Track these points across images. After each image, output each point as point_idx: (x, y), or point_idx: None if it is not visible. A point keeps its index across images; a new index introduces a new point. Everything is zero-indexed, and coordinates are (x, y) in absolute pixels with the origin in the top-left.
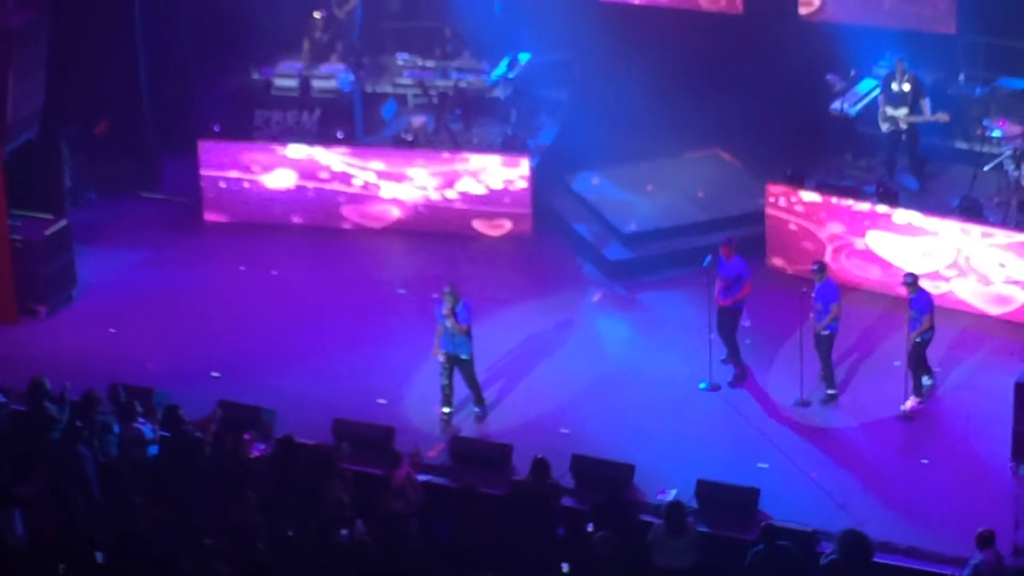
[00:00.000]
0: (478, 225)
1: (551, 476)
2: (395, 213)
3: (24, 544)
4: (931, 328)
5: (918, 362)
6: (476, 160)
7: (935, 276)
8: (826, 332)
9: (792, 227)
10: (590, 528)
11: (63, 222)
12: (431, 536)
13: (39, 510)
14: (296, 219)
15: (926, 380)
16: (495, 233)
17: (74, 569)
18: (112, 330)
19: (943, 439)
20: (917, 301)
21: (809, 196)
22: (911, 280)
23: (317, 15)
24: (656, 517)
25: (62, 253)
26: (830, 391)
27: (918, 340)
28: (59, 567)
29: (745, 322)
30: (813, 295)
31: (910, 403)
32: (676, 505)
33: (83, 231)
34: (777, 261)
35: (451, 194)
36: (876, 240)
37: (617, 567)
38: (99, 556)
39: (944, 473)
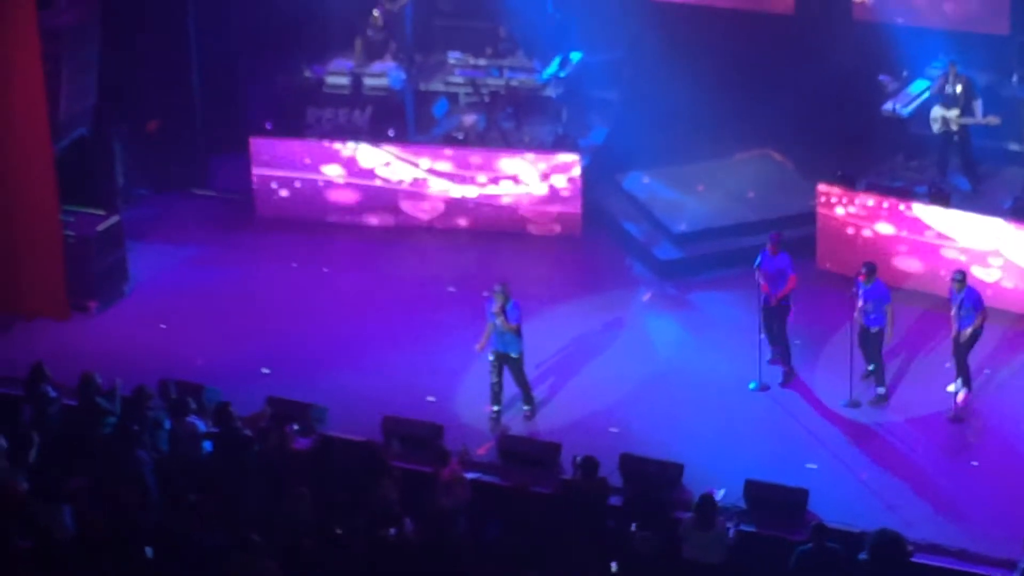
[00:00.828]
0: (529, 224)
1: (599, 474)
2: (446, 212)
3: (73, 538)
4: (981, 326)
5: (964, 358)
6: (527, 159)
7: (982, 275)
8: (875, 329)
9: (843, 228)
10: (633, 527)
11: (115, 218)
12: (478, 535)
13: (88, 505)
14: (347, 217)
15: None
16: (546, 233)
17: (122, 564)
18: (163, 326)
19: (992, 441)
20: (967, 298)
21: (860, 197)
22: (960, 277)
23: (376, 14)
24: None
25: (114, 249)
26: (880, 390)
27: (968, 336)
28: (107, 562)
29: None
30: (861, 295)
31: (962, 396)
32: (706, 498)
33: (135, 227)
34: (827, 262)
35: (502, 193)
36: (924, 240)
37: (661, 566)
38: (148, 551)
39: (993, 475)
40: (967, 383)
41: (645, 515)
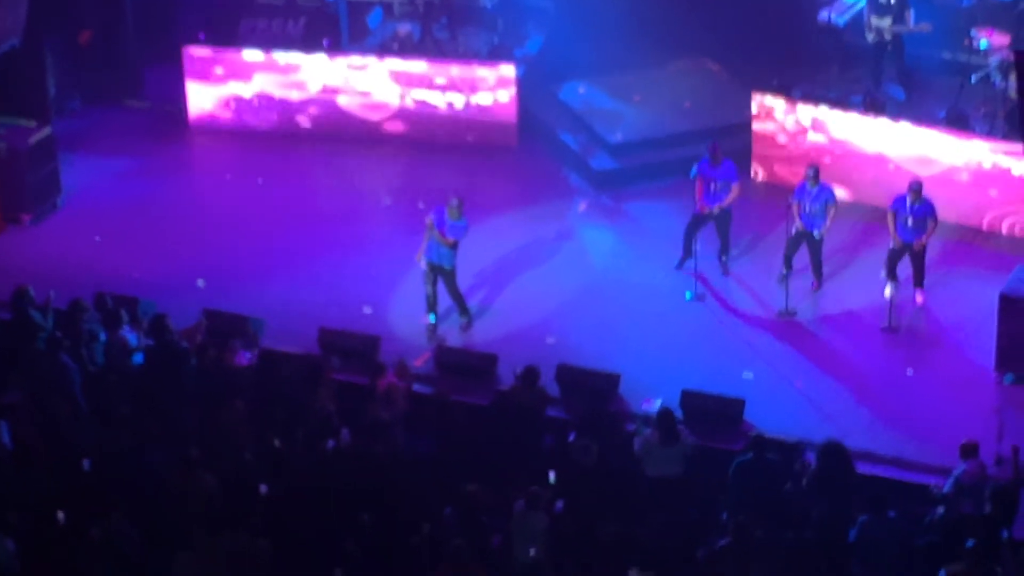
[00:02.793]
0: (464, 135)
1: (538, 385)
2: (381, 123)
3: (10, 453)
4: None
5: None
6: (461, 69)
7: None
8: (818, 234)
9: (777, 137)
10: (572, 438)
11: (47, 130)
12: (415, 446)
13: (24, 419)
14: (281, 128)
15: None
16: (482, 143)
17: (60, 478)
18: (97, 239)
19: (928, 350)
20: (921, 209)
21: (796, 106)
22: (918, 187)
23: None
24: (642, 426)
25: (47, 161)
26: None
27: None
28: (45, 476)
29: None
30: (809, 199)
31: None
32: (667, 413)
33: (67, 140)
34: (761, 172)
35: (437, 104)
36: (861, 150)
37: (601, 475)
38: (85, 464)
39: (929, 384)
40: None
41: (586, 426)
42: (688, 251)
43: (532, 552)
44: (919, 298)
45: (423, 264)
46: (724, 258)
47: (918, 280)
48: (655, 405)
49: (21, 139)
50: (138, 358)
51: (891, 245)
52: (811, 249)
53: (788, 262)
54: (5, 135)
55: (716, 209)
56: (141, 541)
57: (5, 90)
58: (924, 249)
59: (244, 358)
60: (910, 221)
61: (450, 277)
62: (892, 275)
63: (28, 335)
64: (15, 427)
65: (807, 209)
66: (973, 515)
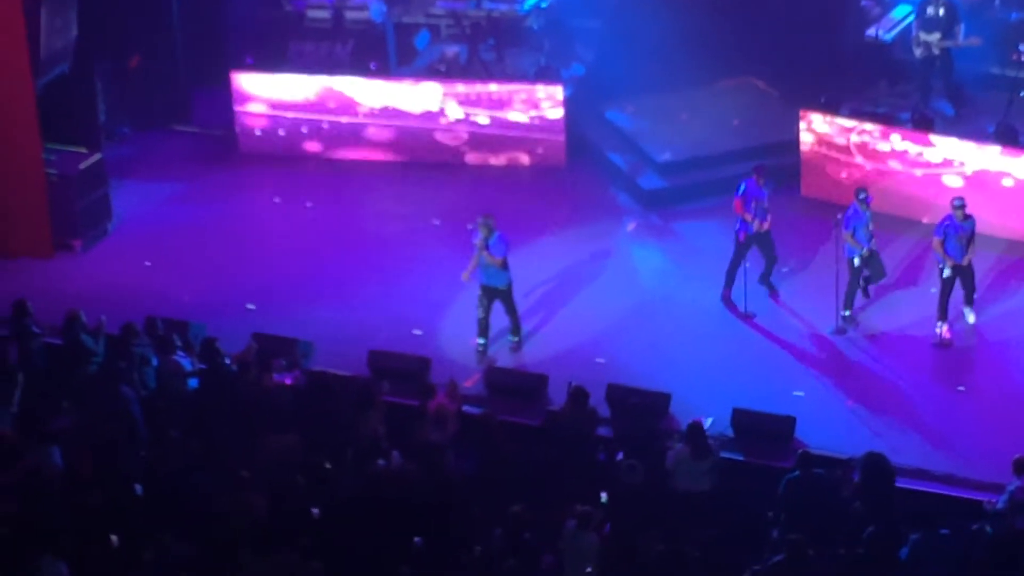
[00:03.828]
0: (513, 156)
1: (589, 405)
2: (430, 145)
3: (62, 477)
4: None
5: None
6: (508, 90)
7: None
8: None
9: (826, 155)
10: (619, 457)
11: (97, 156)
12: (466, 467)
13: (76, 443)
14: (331, 151)
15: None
16: (530, 164)
17: (112, 501)
18: (147, 263)
19: (979, 367)
20: (969, 224)
21: (844, 123)
22: (961, 203)
23: None
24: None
25: (97, 187)
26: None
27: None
28: (96, 499)
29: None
30: (859, 225)
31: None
32: (696, 427)
33: (117, 165)
34: (810, 189)
35: (485, 125)
36: (910, 166)
37: (649, 495)
38: (137, 488)
39: (980, 400)
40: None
41: (634, 445)
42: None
43: (588, 571)
44: (970, 315)
45: (466, 278)
46: (769, 279)
47: (969, 298)
48: (707, 423)
49: (71, 165)
50: (192, 383)
51: (941, 266)
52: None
53: (864, 288)
54: (56, 161)
55: (767, 226)
56: (193, 564)
57: (55, 116)
58: (972, 266)
59: (285, 379)
60: (959, 239)
61: (506, 296)
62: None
63: (80, 360)
64: (67, 451)
65: (866, 231)
66: None
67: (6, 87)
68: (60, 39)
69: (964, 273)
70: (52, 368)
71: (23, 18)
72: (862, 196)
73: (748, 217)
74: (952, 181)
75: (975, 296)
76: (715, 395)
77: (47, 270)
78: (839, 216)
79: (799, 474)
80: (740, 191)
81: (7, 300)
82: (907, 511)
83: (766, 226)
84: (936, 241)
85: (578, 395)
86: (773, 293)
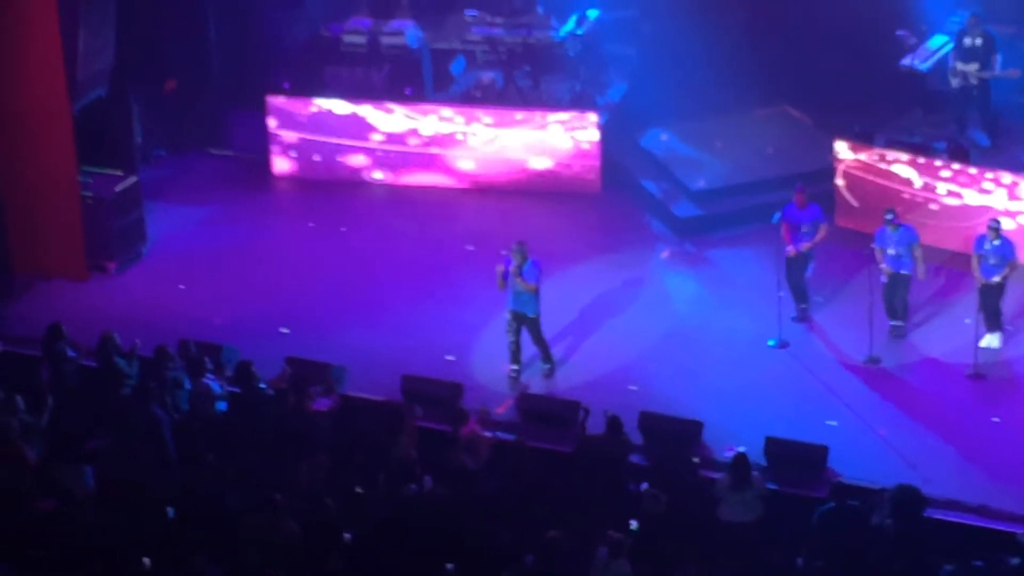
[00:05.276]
0: (547, 182)
1: (624, 433)
2: (463, 169)
3: (94, 498)
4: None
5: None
6: (545, 117)
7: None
8: (907, 273)
9: (861, 184)
10: (644, 486)
11: (133, 179)
12: (495, 492)
13: (109, 465)
14: (364, 176)
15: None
16: (564, 190)
17: (144, 523)
18: (181, 286)
19: (1013, 397)
20: (1000, 248)
21: (879, 153)
22: (996, 225)
23: None
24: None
25: (132, 210)
26: (896, 323)
27: (996, 283)
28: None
29: (809, 272)
30: (892, 242)
31: (996, 341)
32: (741, 458)
33: (152, 187)
34: (845, 218)
35: (519, 151)
36: (944, 195)
37: (676, 524)
38: (169, 511)
39: (1015, 431)
40: (994, 329)
41: (667, 474)
42: (801, 298)
43: None
44: (989, 340)
45: (506, 313)
46: (803, 306)
47: (988, 323)
48: (737, 452)
49: (107, 188)
50: (221, 406)
51: (977, 287)
52: (900, 289)
53: (891, 310)
54: (91, 184)
55: (806, 248)
56: None
57: (92, 139)
58: (1002, 288)
59: (323, 404)
60: (992, 260)
61: (534, 325)
62: (994, 325)
63: (114, 383)
64: (100, 472)
65: (891, 252)
66: None
67: (43, 109)
68: (97, 62)
69: (989, 293)
70: (85, 390)
71: (60, 40)
72: (888, 216)
73: (785, 241)
74: (987, 211)
75: (1003, 321)
76: (748, 423)
77: (82, 292)
78: (872, 245)
79: (833, 505)
80: (776, 217)
81: (43, 321)
82: (940, 542)
83: (803, 248)
84: (973, 257)
85: (613, 424)
86: (804, 321)
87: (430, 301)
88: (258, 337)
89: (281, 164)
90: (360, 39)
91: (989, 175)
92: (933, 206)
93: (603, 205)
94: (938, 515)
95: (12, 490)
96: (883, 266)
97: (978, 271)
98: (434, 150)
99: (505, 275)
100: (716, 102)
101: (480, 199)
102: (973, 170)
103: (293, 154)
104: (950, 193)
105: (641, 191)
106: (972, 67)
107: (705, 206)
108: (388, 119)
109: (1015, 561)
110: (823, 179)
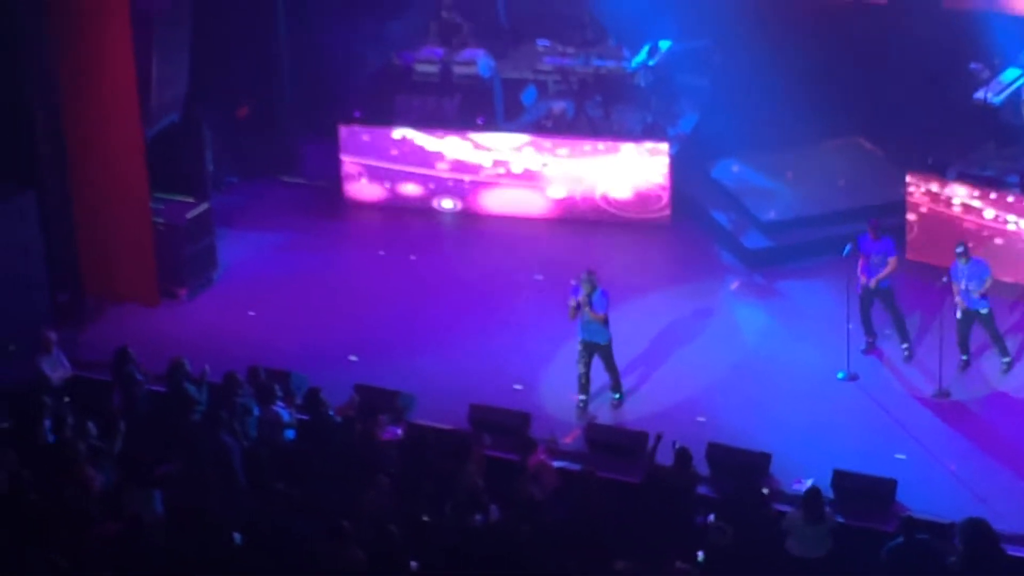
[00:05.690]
0: (617, 213)
1: (692, 466)
2: (534, 199)
3: (162, 523)
4: None
5: None
6: (616, 147)
7: None
8: (986, 310)
9: (933, 217)
10: (711, 518)
11: (205, 205)
12: (562, 522)
13: (177, 490)
14: (435, 204)
15: None
16: (635, 221)
17: (211, 550)
18: (251, 313)
19: None
20: None
21: (951, 186)
22: None
23: None
24: (792, 506)
25: (204, 236)
26: (1006, 359)
27: None
28: (196, 547)
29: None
30: (964, 277)
31: None
32: (814, 492)
33: (224, 214)
34: (916, 252)
35: (590, 181)
36: (1017, 230)
37: (743, 556)
38: (237, 537)
39: None
40: None
41: (735, 506)
42: (869, 331)
43: None
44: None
45: (577, 344)
46: (906, 345)
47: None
48: (806, 485)
49: (179, 214)
50: (290, 434)
51: None
52: (985, 326)
53: (964, 345)
54: (164, 210)
55: (874, 283)
56: None
57: (164, 165)
58: None
59: (391, 433)
60: None
61: (606, 352)
62: None
63: (183, 408)
64: (168, 498)
65: (964, 286)
66: None
67: (117, 136)
68: (171, 89)
69: None
70: (155, 415)
71: (134, 66)
72: (959, 250)
73: (859, 273)
74: None
75: None
76: (816, 456)
77: (152, 317)
78: (944, 279)
79: (903, 540)
80: (847, 249)
81: (114, 347)
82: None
83: (872, 283)
84: None
85: (682, 455)
86: (908, 356)
87: (499, 330)
88: (327, 364)
89: (351, 192)
90: (432, 68)
91: None
92: (1005, 240)
93: (673, 236)
94: (1009, 551)
95: (78, 512)
96: (957, 299)
97: None
98: (505, 179)
99: (576, 305)
100: (787, 133)
101: (550, 229)
102: None
103: (363, 182)
104: (1022, 228)
105: (711, 222)
106: None
107: (775, 237)
108: (458, 147)
109: None
110: (894, 212)
